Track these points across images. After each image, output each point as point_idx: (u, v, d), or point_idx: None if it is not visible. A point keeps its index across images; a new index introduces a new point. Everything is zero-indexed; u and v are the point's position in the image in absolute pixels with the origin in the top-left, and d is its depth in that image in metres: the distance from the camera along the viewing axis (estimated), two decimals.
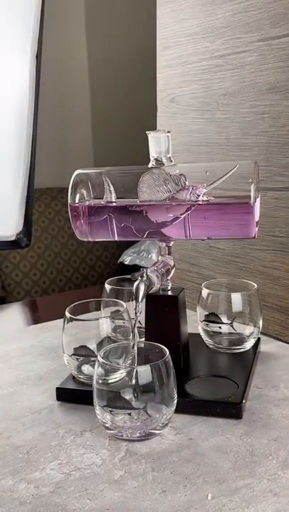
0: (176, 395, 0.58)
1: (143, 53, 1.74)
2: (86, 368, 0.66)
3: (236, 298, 0.74)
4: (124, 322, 0.69)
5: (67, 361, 0.67)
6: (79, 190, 0.68)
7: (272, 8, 0.89)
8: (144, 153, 0.69)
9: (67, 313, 0.67)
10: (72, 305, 0.68)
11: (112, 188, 0.67)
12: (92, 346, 0.66)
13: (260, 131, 0.93)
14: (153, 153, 0.68)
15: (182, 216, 0.65)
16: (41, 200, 2.15)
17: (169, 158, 0.68)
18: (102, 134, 2.46)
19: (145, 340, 0.69)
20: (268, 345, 0.80)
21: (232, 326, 0.74)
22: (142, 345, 0.62)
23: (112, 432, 0.57)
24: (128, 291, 0.78)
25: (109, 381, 0.58)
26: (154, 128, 0.74)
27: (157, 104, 1.17)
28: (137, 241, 2.00)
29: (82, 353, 0.66)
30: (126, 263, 2.04)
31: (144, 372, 0.56)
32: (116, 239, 0.69)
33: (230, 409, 0.60)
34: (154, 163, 0.68)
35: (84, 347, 0.66)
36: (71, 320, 0.66)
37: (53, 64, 2.22)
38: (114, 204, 0.67)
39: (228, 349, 0.74)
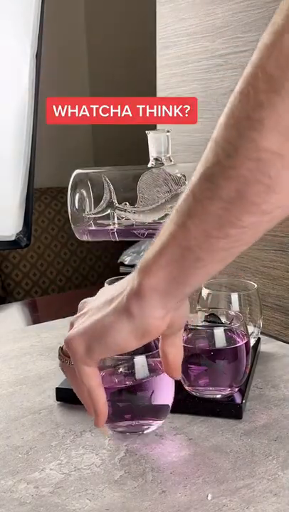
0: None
1: (143, 53, 1.74)
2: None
3: (236, 298, 0.74)
4: None
5: None
6: (79, 190, 0.68)
7: (272, 7, 0.89)
8: (144, 153, 0.69)
9: None
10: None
11: (111, 188, 0.67)
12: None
13: None
14: (153, 153, 0.68)
15: None
16: (41, 200, 2.15)
17: (169, 157, 0.68)
18: (101, 133, 2.46)
19: None
20: (267, 345, 0.80)
21: None
22: None
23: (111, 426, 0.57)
24: None
25: None
26: (154, 128, 0.74)
27: None
28: (137, 241, 2.00)
29: None
30: (126, 263, 2.04)
31: (141, 362, 0.56)
32: (116, 239, 0.69)
33: (230, 409, 0.60)
34: (153, 163, 0.68)
35: None
36: None
37: (52, 63, 2.22)
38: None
39: None
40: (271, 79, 0.35)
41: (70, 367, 0.51)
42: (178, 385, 0.62)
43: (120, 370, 0.57)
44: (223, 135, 0.38)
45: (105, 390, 0.52)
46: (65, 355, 0.52)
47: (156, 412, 0.58)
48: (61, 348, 0.53)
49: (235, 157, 0.37)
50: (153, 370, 0.56)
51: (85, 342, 0.48)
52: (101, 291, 0.53)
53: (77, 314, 0.52)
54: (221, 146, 0.38)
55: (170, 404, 0.58)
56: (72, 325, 0.51)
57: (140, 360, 0.56)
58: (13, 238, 0.72)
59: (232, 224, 0.39)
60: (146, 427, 0.57)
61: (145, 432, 0.57)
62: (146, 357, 0.56)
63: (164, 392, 0.57)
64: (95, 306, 0.49)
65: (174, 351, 0.52)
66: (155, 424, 0.58)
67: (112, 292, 0.48)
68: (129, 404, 0.56)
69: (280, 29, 0.35)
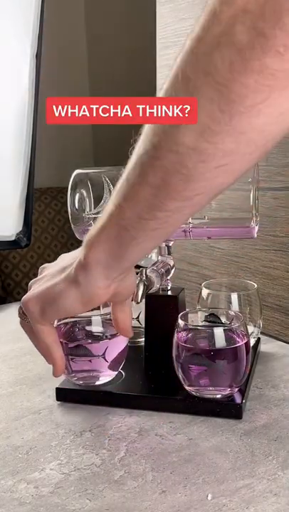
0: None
1: (143, 53, 1.74)
2: None
3: (236, 298, 0.74)
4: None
5: None
6: (78, 190, 0.68)
7: None
8: None
9: None
10: None
11: (111, 188, 0.67)
12: None
13: None
14: None
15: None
16: (41, 200, 2.15)
17: None
18: (102, 133, 2.46)
19: (145, 340, 0.69)
20: (267, 345, 0.80)
21: None
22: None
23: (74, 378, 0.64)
24: None
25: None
26: None
27: None
28: None
29: None
30: None
31: (97, 322, 0.64)
32: None
33: (230, 409, 0.60)
34: None
35: None
36: None
37: (52, 63, 2.22)
38: None
39: None
40: (188, 81, 0.39)
41: (29, 324, 0.57)
42: (178, 385, 0.62)
43: (78, 327, 0.65)
44: (151, 127, 0.43)
45: (65, 344, 0.60)
46: (24, 314, 0.57)
47: (110, 365, 0.64)
48: (21, 308, 0.57)
49: (159, 149, 0.42)
50: (108, 329, 0.64)
51: (39, 304, 0.54)
52: (60, 257, 0.58)
53: (36, 278, 0.57)
54: (149, 138, 0.43)
55: (123, 358, 0.65)
56: (30, 287, 0.56)
57: (96, 320, 0.64)
58: (13, 238, 0.72)
59: (159, 208, 0.44)
60: (99, 378, 0.65)
61: (96, 383, 0.65)
62: (102, 317, 0.64)
63: (116, 348, 0.64)
64: (50, 273, 0.55)
65: (123, 316, 0.59)
66: (108, 376, 0.65)
67: (66, 261, 0.54)
68: (86, 358, 0.63)
69: (197, 36, 0.38)
